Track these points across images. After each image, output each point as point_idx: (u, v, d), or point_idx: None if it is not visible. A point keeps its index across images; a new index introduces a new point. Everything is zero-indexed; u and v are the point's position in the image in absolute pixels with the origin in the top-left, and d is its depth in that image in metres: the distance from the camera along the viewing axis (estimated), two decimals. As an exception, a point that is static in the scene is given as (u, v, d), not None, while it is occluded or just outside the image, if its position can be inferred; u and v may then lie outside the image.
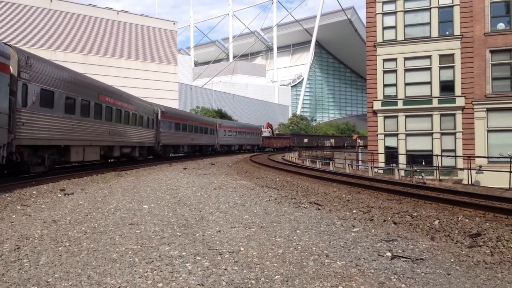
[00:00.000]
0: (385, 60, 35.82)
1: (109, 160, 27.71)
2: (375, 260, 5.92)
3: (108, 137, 23.25)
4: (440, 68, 34.29)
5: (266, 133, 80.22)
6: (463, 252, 6.60)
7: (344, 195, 13.50)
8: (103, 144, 22.72)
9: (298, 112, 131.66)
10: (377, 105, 35.86)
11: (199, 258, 5.90)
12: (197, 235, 7.37)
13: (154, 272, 5.27)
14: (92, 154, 21.51)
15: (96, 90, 21.86)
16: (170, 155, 38.45)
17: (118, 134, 24.74)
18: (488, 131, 32.87)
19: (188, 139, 40.76)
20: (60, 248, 6.36)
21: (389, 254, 6.27)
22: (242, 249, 6.43)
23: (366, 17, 37.34)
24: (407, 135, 35.05)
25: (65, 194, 12.50)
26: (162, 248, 6.39)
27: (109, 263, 5.62)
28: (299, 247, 6.57)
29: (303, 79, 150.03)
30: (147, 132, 30.86)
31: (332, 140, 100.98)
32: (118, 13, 64.57)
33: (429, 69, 34.56)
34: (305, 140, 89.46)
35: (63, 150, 18.78)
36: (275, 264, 5.66)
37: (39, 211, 9.65)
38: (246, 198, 12.07)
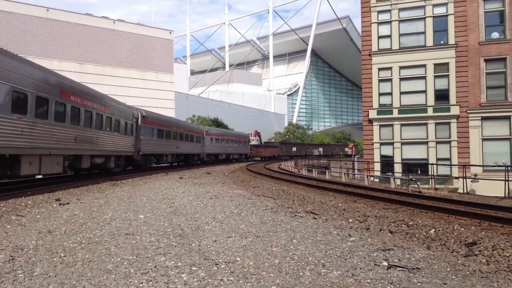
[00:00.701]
0: (380, 69, 35.94)
1: (74, 173, 23.61)
2: (371, 270, 5.91)
3: (74, 145, 19.34)
4: (435, 77, 34.43)
5: (254, 141, 76.57)
6: (459, 261, 6.60)
7: (340, 204, 13.49)
8: (67, 153, 18.87)
9: (294, 121, 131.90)
10: (372, 114, 35.94)
11: (195, 268, 5.88)
12: (193, 245, 7.35)
13: (150, 283, 5.25)
14: (52, 165, 17.61)
15: (58, 86, 17.87)
16: (152, 166, 34.84)
17: (88, 141, 20.88)
18: (483, 139, 32.97)
19: (173, 147, 37.31)
20: (55, 258, 6.33)
21: (385, 263, 6.26)
22: (238, 259, 6.41)
23: (362, 27, 37.51)
24: (402, 143, 35.11)
25: (60, 204, 12.46)
26: (157, 259, 6.37)
27: (104, 274, 5.59)
28: (296, 257, 6.56)
29: (299, 87, 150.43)
30: (125, 139, 26.96)
31: (321, 149, 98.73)
32: (114, 22, 64.64)
33: (424, 78, 34.70)
34: (294, 149, 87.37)
35: (9, 161, 14.81)
36: (272, 274, 5.65)
37: (34, 221, 9.61)
38: (242, 208, 12.05)
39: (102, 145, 22.91)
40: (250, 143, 71.32)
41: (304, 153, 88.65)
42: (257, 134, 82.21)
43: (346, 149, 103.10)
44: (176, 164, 41.86)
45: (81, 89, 20.89)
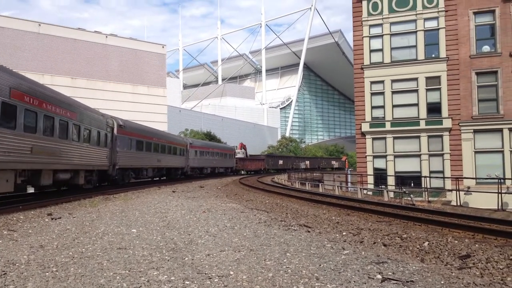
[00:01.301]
0: (372, 83, 36.15)
1: (36, 190, 21.63)
2: (365, 283, 5.89)
3: (31, 157, 16.05)
4: (427, 90, 34.66)
5: (240, 154, 73.24)
6: (453, 273, 6.58)
7: (334, 217, 13.47)
8: (20, 167, 15.56)
9: (287, 134, 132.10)
10: (365, 127, 36.07)
11: (188, 282, 5.83)
12: (186, 259, 7.30)
13: (143, 297, 5.20)
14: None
15: (6, 83, 14.49)
16: (131, 181, 31.43)
17: (49, 152, 17.49)
18: (476, 152, 33.14)
19: (154, 160, 33.87)
20: (47, 273, 6.27)
21: (379, 276, 6.23)
22: (231, 273, 6.37)
23: (353, 40, 37.76)
24: (395, 156, 35.22)
25: (52, 219, 12.37)
26: (150, 273, 6.32)
27: (96, 289, 5.53)
28: (289, 270, 6.52)
29: (291, 101, 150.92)
30: (98, 151, 23.60)
31: (307, 162, 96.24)
32: (106, 36, 64.70)
33: (416, 91, 34.91)
34: (280, 162, 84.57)
35: None
36: (265, 288, 5.61)
37: (26, 236, 9.53)
38: (235, 221, 12.01)
39: (68, 158, 19.45)
40: (236, 156, 68.57)
41: (290, 166, 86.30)
42: (243, 146, 79.35)
43: (333, 162, 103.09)
44: (157, 178, 39.34)
45: (40, 90, 17.32)
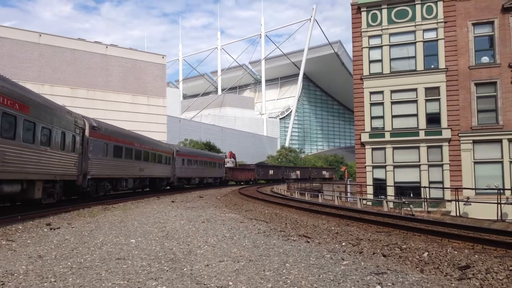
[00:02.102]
0: (372, 93, 36.21)
1: None
2: (364, 294, 5.87)
3: None
4: (426, 100, 34.71)
5: (229, 163, 68.67)
6: (453, 284, 6.57)
7: (333, 228, 13.44)
8: None
9: (287, 144, 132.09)
10: (364, 137, 36.08)
11: (187, 293, 5.81)
12: (185, 269, 7.28)
13: (141, 308, 5.18)
14: None
15: None
16: (107, 193, 27.27)
17: None
18: (475, 162, 33.14)
19: (135, 169, 29.65)
20: (45, 284, 6.25)
21: (379, 287, 6.22)
22: (230, 283, 6.35)
23: (353, 51, 37.87)
24: (395, 167, 35.20)
25: (51, 229, 12.34)
26: (149, 284, 6.30)
27: (95, 299, 5.52)
28: (288, 281, 6.50)
29: (291, 111, 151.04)
30: (62, 157, 19.08)
31: (298, 172, 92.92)
32: (107, 47, 64.94)
33: (415, 101, 34.97)
34: (270, 172, 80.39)
35: None
36: (264, 299, 5.59)
37: (25, 246, 9.51)
38: (234, 231, 11.98)
39: (17, 165, 14.93)
40: (225, 165, 63.85)
41: (281, 176, 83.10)
42: (232, 155, 75.38)
43: (324, 172, 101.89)
44: (140, 190, 35.51)
45: None
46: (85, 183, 21.95)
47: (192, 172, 46.93)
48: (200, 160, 49.54)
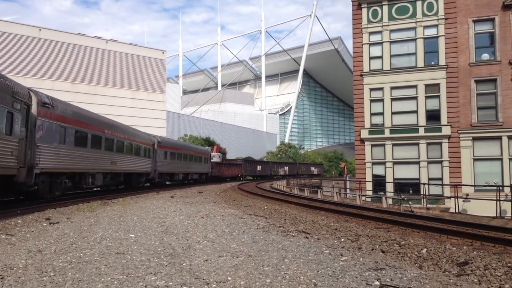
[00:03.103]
0: (372, 89, 36.19)
1: None
2: (363, 289, 5.88)
3: None
4: (426, 97, 34.69)
5: (215, 158, 62.71)
6: (451, 280, 6.58)
7: (332, 224, 13.46)
8: None
9: (286, 140, 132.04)
10: (364, 134, 36.08)
11: (185, 287, 5.83)
12: (184, 264, 7.29)
13: (140, 302, 5.19)
14: None
15: None
16: (64, 193, 21.31)
17: None
18: (474, 159, 33.15)
19: (105, 162, 24.49)
20: (44, 278, 6.26)
21: (377, 283, 6.23)
22: (229, 278, 6.36)
23: (353, 47, 37.83)
24: (394, 163, 35.21)
25: (50, 223, 12.35)
26: (148, 278, 6.31)
27: (94, 293, 5.53)
28: (287, 276, 6.51)
29: (291, 107, 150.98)
30: None
31: (286, 168, 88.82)
32: (107, 42, 64.83)
33: (415, 98, 34.95)
34: (258, 168, 75.89)
35: None
36: (263, 294, 5.60)
37: (24, 240, 9.52)
38: (234, 227, 12.00)
39: None
40: (212, 160, 57.99)
41: (269, 173, 79.33)
42: (219, 149, 69.64)
43: (312, 169, 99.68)
44: (115, 188, 30.28)
45: None
46: (30, 179, 16.59)
47: (176, 166, 41.57)
48: (185, 153, 44.42)
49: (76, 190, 24.16)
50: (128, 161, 28.91)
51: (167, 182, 41.76)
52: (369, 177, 35.65)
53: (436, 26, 34.88)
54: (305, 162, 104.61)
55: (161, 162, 36.89)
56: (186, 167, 44.53)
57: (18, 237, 9.97)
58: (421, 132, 34.57)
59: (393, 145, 35.32)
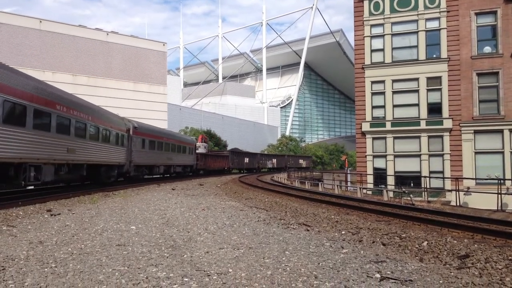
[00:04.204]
0: (373, 82, 36.12)
1: None
2: (364, 282, 5.89)
3: None
4: (428, 90, 34.62)
5: (201, 148, 57.54)
6: (452, 273, 6.58)
7: (333, 216, 13.47)
8: None
9: (287, 133, 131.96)
10: (365, 127, 36.05)
11: (186, 279, 5.83)
12: (185, 256, 7.30)
13: (141, 293, 5.20)
14: None
15: None
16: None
17: None
18: (476, 153, 33.12)
19: (59, 151, 18.95)
20: (46, 269, 6.27)
21: (378, 275, 6.23)
22: (230, 270, 6.37)
23: (355, 40, 37.72)
24: (395, 156, 35.20)
25: (51, 215, 12.37)
26: (149, 270, 6.32)
27: (95, 285, 5.54)
28: (288, 268, 6.52)
29: (292, 100, 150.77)
30: None
31: (274, 160, 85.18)
32: (107, 34, 64.73)
33: (417, 91, 34.88)
34: (246, 160, 71.55)
35: None
36: (264, 286, 5.61)
37: (25, 231, 9.53)
38: (234, 219, 12.01)
39: None
40: (197, 151, 52.46)
41: (256, 165, 75.62)
42: (204, 139, 64.73)
43: (300, 161, 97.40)
44: (78, 184, 25.97)
45: None
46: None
47: (156, 157, 35.71)
48: (167, 142, 38.59)
49: (11, 189, 19.03)
50: (92, 149, 23.04)
51: (145, 176, 36.10)
52: (370, 170, 35.65)
53: (438, 18, 34.75)
54: (293, 155, 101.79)
55: (138, 152, 31.49)
56: (168, 158, 39.02)
57: (20, 228, 9.99)
58: (423, 125, 34.53)
59: (394, 138, 35.30)
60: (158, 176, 40.18)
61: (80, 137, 21.34)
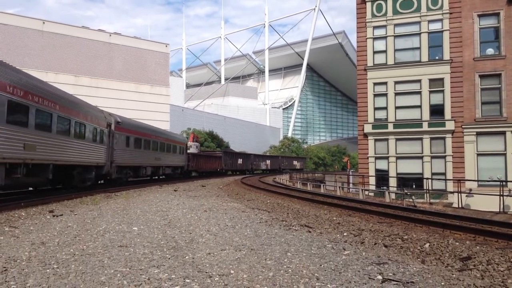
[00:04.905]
0: (375, 84, 36.08)
1: None
2: (365, 284, 5.89)
3: None
4: (430, 92, 34.58)
5: (192, 148, 54.19)
6: (454, 275, 6.58)
7: (335, 218, 13.47)
8: None
9: (289, 135, 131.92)
10: (367, 128, 36.02)
11: (188, 281, 5.84)
12: (186, 257, 7.31)
13: (143, 295, 5.21)
14: None
15: None
16: None
17: None
18: (478, 154, 33.06)
19: (12, 148, 15.06)
20: (48, 270, 6.28)
21: (380, 277, 6.24)
22: (232, 271, 6.38)
23: (357, 42, 37.70)
24: (397, 158, 35.16)
25: (54, 216, 12.39)
26: (151, 271, 6.33)
27: (97, 286, 5.55)
28: (290, 270, 6.53)
29: (294, 101, 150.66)
30: None
31: (268, 162, 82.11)
32: (110, 35, 64.85)
33: (419, 93, 34.84)
34: (239, 161, 67.70)
35: None
36: (266, 287, 5.61)
37: (28, 232, 9.55)
38: (236, 220, 12.01)
39: None
40: (188, 150, 48.82)
41: (250, 167, 72.62)
42: (196, 138, 60.54)
43: (295, 163, 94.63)
44: (42, 188, 21.48)
45: None
46: None
47: (142, 157, 32.01)
48: (155, 140, 34.72)
49: None
50: (61, 146, 19.05)
51: (130, 179, 32.02)
52: (372, 172, 35.62)
53: (441, 20, 34.72)
54: (287, 156, 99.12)
55: (121, 150, 27.76)
56: (156, 158, 34.91)
57: (22, 229, 10.00)
58: (425, 127, 34.48)
59: (397, 139, 35.25)
60: (147, 178, 36.60)
61: (43, 131, 17.32)
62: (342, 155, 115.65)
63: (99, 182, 27.11)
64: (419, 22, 35.25)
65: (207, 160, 55.04)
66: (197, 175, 50.75)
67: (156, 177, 37.66)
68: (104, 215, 12.64)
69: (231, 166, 64.02)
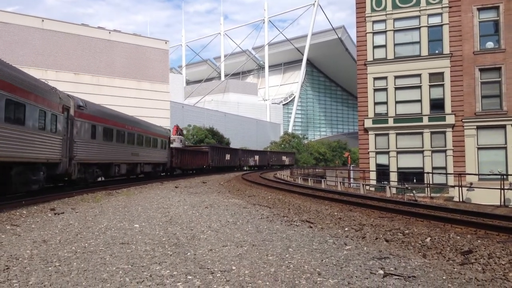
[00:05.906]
0: (375, 79, 36.06)
1: None
2: (367, 278, 5.89)
3: None
4: (430, 86, 34.57)
5: (176, 142, 48.29)
6: (455, 269, 6.58)
7: (336, 213, 13.46)
8: None
9: (290, 130, 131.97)
10: (368, 123, 36.02)
11: (190, 277, 5.85)
12: (188, 254, 7.32)
13: (145, 291, 5.22)
14: None
15: None
16: None
17: None
18: (478, 148, 33.07)
19: None
20: (50, 268, 6.29)
21: (381, 272, 6.24)
22: (234, 267, 6.38)
23: (357, 36, 37.67)
24: (398, 152, 35.16)
25: (55, 214, 12.40)
26: (153, 268, 6.34)
27: (99, 283, 5.56)
28: (291, 266, 6.53)
29: (294, 97, 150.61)
30: None
31: (257, 157, 78.28)
32: (110, 32, 64.80)
33: (419, 87, 34.82)
34: (227, 157, 62.76)
35: None
36: (267, 283, 5.62)
37: (29, 231, 9.56)
38: (238, 217, 12.02)
39: None
40: (171, 145, 42.33)
41: (238, 163, 68.75)
42: (179, 131, 54.13)
43: (283, 158, 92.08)
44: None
45: None
46: None
47: (115, 153, 25.84)
48: (131, 132, 28.53)
49: None
50: None
51: (99, 179, 26.31)
52: (372, 167, 35.63)
53: (440, 14, 34.67)
54: (276, 151, 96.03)
55: (84, 143, 21.65)
56: (133, 153, 28.94)
57: (23, 227, 10.01)
58: (425, 121, 34.48)
59: (397, 134, 35.26)
60: (120, 178, 31.07)
61: None
62: (342, 150, 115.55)
63: (57, 184, 22.18)
64: (418, 16, 35.21)
65: (193, 155, 48.32)
66: (180, 173, 45.35)
67: (135, 176, 32.48)
68: (105, 213, 12.65)
69: (219, 162, 58.79)
